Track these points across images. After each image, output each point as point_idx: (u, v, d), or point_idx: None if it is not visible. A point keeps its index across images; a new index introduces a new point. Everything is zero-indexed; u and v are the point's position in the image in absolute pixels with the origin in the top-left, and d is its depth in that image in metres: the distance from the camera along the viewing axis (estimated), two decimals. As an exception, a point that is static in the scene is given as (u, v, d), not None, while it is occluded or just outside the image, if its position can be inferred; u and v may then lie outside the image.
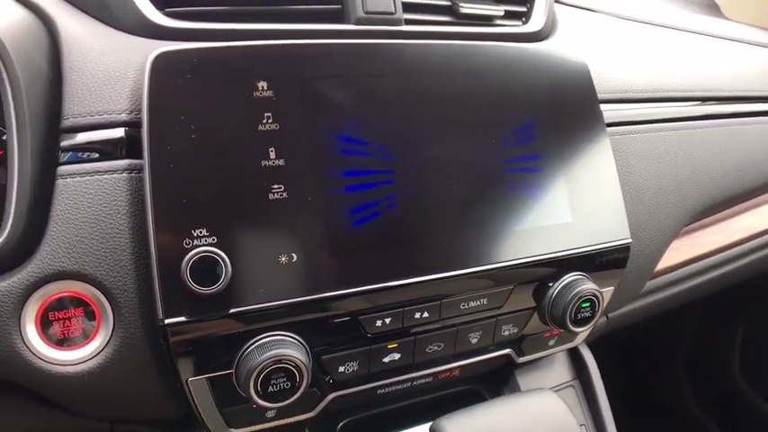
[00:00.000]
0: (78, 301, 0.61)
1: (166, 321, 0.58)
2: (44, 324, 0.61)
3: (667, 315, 1.66)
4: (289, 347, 0.62)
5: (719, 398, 1.70)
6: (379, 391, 0.75)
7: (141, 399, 0.66)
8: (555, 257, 0.74)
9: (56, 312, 0.61)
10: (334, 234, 0.64)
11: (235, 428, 0.68)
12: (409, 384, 0.76)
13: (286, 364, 0.61)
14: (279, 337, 0.63)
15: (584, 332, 0.83)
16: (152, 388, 0.65)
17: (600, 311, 0.77)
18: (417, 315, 0.69)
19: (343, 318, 0.66)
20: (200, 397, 0.64)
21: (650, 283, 0.96)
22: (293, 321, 0.63)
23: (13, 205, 0.59)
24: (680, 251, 0.99)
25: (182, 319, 0.59)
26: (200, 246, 0.58)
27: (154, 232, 0.59)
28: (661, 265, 0.96)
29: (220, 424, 0.67)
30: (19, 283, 0.59)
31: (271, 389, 0.61)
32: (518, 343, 0.80)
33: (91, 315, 0.62)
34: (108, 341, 0.62)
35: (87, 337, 0.62)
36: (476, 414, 0.62)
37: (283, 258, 0.62)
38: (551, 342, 0.83)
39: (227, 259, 0.58)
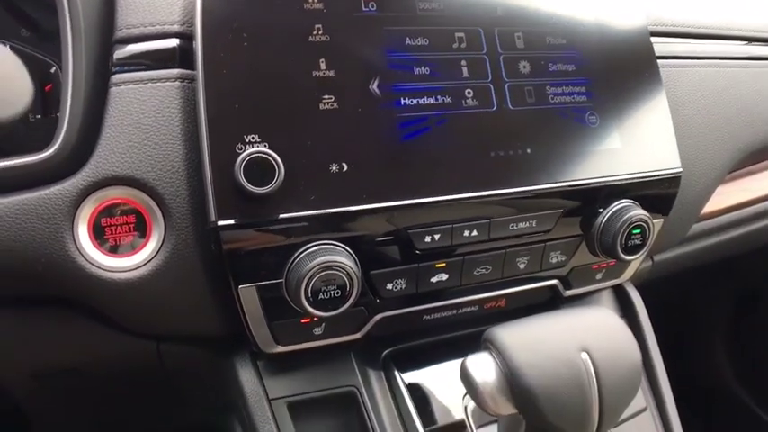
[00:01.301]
0: (130, 209, 0.62)
1: (219, 223, 0.58)
2: (96, 231, 0.61)
3: (705, 283, 1.63)
4: (339, 255, 0.61)
5: (758, 370, 1.66)
6: (424, 317, 0.74)
7: (190, 310, 0.66)
8: (604, 182, 0.73)
9: (108, 219, 0.61)
10: (383, 147, 0.64)
11: (282, 345, 0.68)
12: (455, 312, 0.75)
13: (336, 270, 0.60)
14: (329, 246, 0.62)
15: (633, 263, 0.82)
16: (201, 297, 0.65)
17: (651, 240, 0.75)
18: (466, 233, 0.68)
19: (393, 231, 0.65)
20: (250, 308, 0.63)
21: (697, 227, 0.94)
22: (343, 232, 0.63)
23: (67, 113, 0.60)
24: (728, 195, 0.97)
25: (233, 221, 0.59)
26: (252, 149, 0.58)
27: (207, 137, 0.59)
28: (708, 209, 0.94)
29: (268, 339, 0.67)
30: (73, 187, 0.59)
31: (321, 296, 0.61)
32: (565, 275, 0.79)
33: (142, 223, 0.62)
34: (159, 249, 0.62)
35: (138, 246, 0.62)
36: (529, 324, 0.61)
37: (334, 167, 0.62)
38: (599, 276, 0.82)
39: (279, 161, 0.58)
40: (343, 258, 0.61)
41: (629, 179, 0.74)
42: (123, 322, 0.67)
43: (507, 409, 0.57)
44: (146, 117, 0.61)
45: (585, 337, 0.59)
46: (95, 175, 0.60)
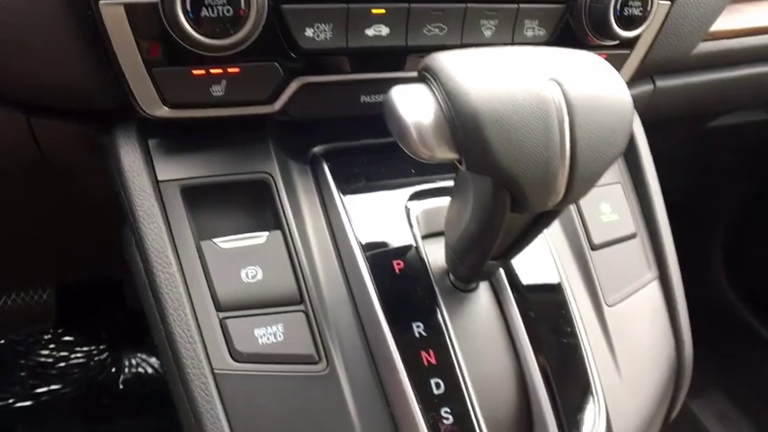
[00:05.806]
0: None
1: None
2: None
3: (702, 190, 1.48)
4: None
5: (757, 284, 1.53)
6: (362, 99, 0.59)
7: (49, 45, 0.50)
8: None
9: None
10: None
11: (171, 108, 0.53)
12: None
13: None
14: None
15: (633, 58, 0.66)
16: (63, 32, 0.49)
17: (651, 16, 0.60)
18: (411, -36, 0.53)
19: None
20: (120, 40, 0.48)
21: (704, 47, 0.78)
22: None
23: None
24: (743, 15, 0.81)
25: None
26: None
27: None
28: (719, 27, 0.78)
29: (152, 95, 0.51)
30: None
31: (205, 13, 0.45)
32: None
33: None
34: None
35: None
36: (485, 50, 0.46)
37: None
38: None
39: None
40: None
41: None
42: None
43: (444, 149, 0.43)
44: None
45: (558, 66, 0.44)
46: None
